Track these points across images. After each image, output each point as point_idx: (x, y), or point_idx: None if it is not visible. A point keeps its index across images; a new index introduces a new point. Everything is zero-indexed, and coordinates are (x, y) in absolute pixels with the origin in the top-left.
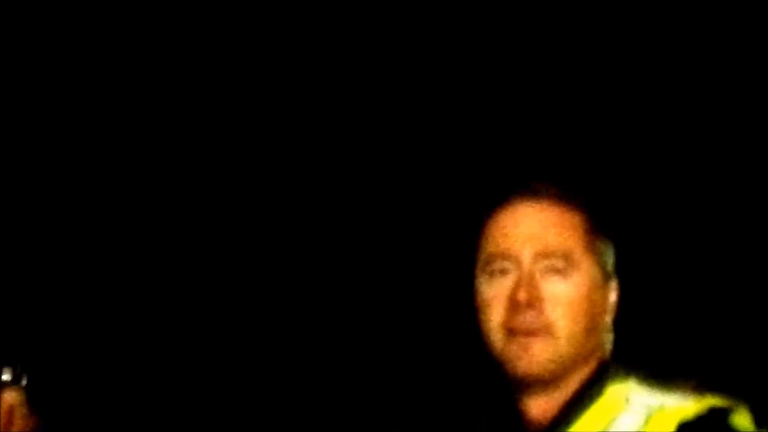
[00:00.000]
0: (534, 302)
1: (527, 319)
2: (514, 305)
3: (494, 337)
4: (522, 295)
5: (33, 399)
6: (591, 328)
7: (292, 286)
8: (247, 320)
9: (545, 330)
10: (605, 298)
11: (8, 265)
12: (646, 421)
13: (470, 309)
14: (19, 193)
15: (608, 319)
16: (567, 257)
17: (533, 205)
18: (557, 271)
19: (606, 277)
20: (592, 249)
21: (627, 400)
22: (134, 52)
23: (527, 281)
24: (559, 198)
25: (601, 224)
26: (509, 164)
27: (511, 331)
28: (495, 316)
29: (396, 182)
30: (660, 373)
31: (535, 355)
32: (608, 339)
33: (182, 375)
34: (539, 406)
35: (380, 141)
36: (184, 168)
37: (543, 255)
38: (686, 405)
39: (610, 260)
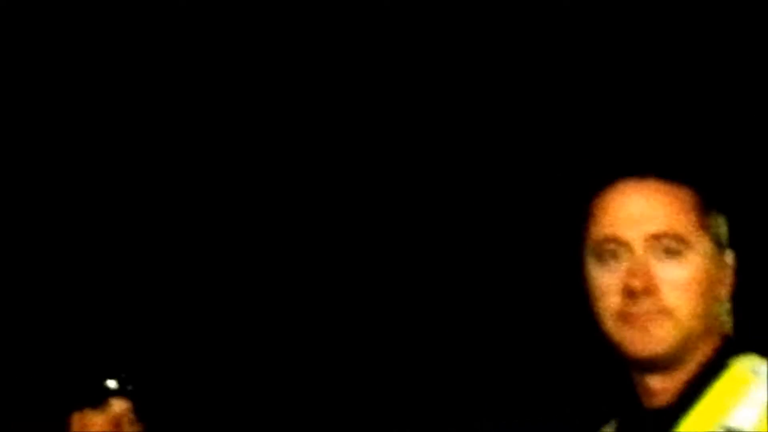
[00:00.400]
0: (650, 288)
1: (644, 306)
2: (629, 293)
3: (611, 324)
4: (637, 283)
5: (139, 407)
6: (709, 306)
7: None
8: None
9: (663, 314)
10: (721, 272)
11: (112, 273)
12: None
13: (579, 292)
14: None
15: (725, 291)
16: (680, 237)
17: (641, 185)
18: (671, 253)
19: (721, 251)
20: (705, 225)
21: (754, 373)
22: (134, 52)
23: (641, 267)
24: (667, 175)
25: (713, 197)
26: (609, 144)
27: (628, 318)
28: (610, 304)
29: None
30: None
31: (654, 338)
32: (727, 311)
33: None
34: (660, 385)
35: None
36: (185, 168)
37: (655, 237)
38: None
39: (723, 232)
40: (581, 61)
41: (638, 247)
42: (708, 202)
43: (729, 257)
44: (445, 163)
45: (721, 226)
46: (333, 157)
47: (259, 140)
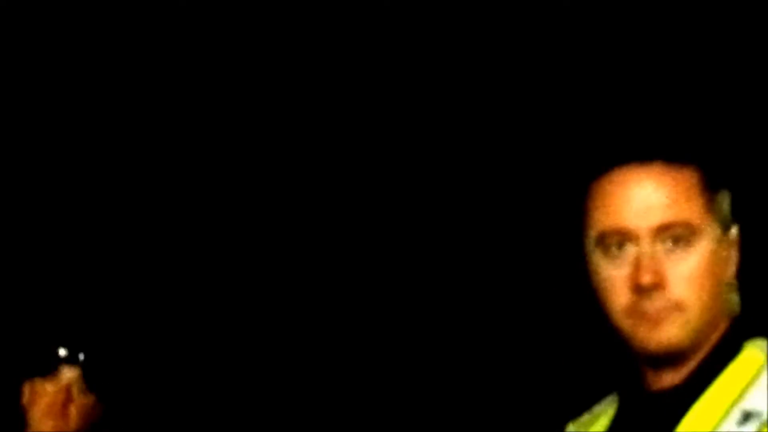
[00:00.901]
0: (659, 282)
1: (655, 302)
2: (638, 289)
3: (621, 320)
4: (646, 279)
5: (90, 376)
6: (718, 291)
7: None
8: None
9: (675, 309)
10: (728, 251)
11: (64, 245)
12: None
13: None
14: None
15: (732, 270)
16: (688, 225)
17: (644, 170)
18: (679, 242)
19: (726, 229)
20: (712, 207)
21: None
22: (134, 52)
23: (649, 261)
24: (671, 158)
25: (718, 176)
26: (608, 128)
27: (638, 314)
28: (619, 299)
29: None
30: None
31: (666, 334)
32: (734, 289)
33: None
34: (670, 375)
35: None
36: (187, 168)
37: (662, 228)
38: None
39: (727, 208)
40: (578, 47)
41: (646, 238)
42: (714, 182)
43: (733, 232)
44: (441, 155)
45: (726, 202)
46: (332, 156)
47: (259, 140)
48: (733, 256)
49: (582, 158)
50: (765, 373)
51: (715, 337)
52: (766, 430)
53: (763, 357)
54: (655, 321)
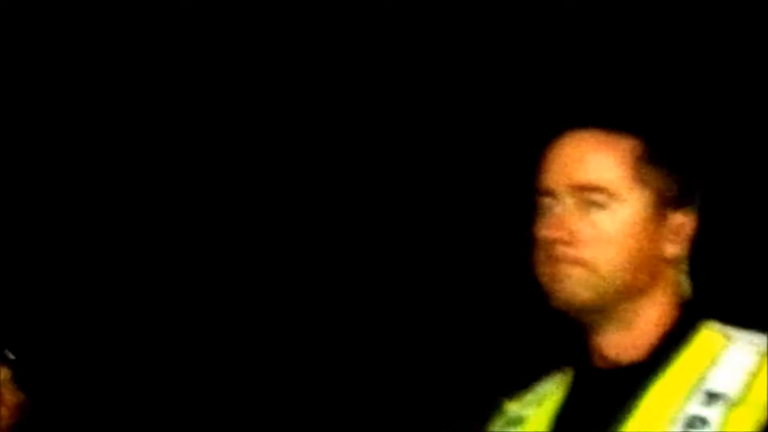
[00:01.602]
0: (566, 238)
1: (559, 257)
2: (546, 243)
3: (539, 276)
4: (549, 233)
5: (19, 375)
6: (641, 261)
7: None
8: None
9: (579, 265)
10: (662, 229)
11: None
12: (760, 358)
13: None
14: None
15: (672, 251)
16: (606, 190)
17: (580, 135)
18: (596, 205)
19: (664, 207)
20: (642, 178)
21: (726, 336)
22: (134, 52)
23: (559, 217)
24: (609, 126)
25: (659, 151)
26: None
27: (547, 269)
28: (537, 255)
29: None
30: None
31: (570, 289)
32: (680, 272)
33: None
34: (604, 342)
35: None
36: (188, 168)
37: (579, 188)
38: None
39: (671, 189)
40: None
41: (564, 196)
42: (651, 155)
43: (679, 217)
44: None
45: (669, 183)
46: (331, 156)
47: (258, 139)
48: (675, 237)
49: (543, 127)
50: (727, 354)
51: (658, 311)
52: (730, 410)
53: (723, 339)
54: (559, 276)
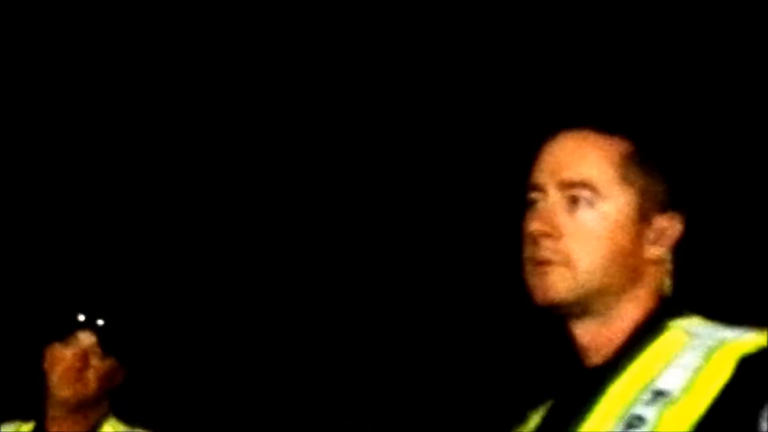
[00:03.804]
0: (549, 233)
1: (543, 251)
2: (530, 237)
3: (525, 270)
4: (536, 227)
5: (107, 341)
6: (622, 260)
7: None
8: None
9: (561, 261)
10: (647, 229)
11: (87, 212)
12: (707, 356)
13: None
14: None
15: (656, 251)
16: (592, 187)
17: (571, 135)
18: (582, 203)
19: (649, 208)
20: (629, 179)
21: (689, 335)
22: (134, 52)
23: (544, 212)
24: (600, 127)
25: (649, 152)
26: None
27: (531, 264)
28: (524, 250)
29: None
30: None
31: (550, 285)
32: (663, 272)
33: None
34: (588, 335)
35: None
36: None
37: (566, 185)
38: (747, 339)
39: (659, 191)
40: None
41: (551, 193)
42: (641, 158)
43: (664, 220)
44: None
45: (655, 186)
46: (330, 156)
47: (257, 139)
48: (659, 238)
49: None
50: (682, 352)
51: (637, 307)
52: (667, 408)
53: (685, 338)
54: (542, 271)
